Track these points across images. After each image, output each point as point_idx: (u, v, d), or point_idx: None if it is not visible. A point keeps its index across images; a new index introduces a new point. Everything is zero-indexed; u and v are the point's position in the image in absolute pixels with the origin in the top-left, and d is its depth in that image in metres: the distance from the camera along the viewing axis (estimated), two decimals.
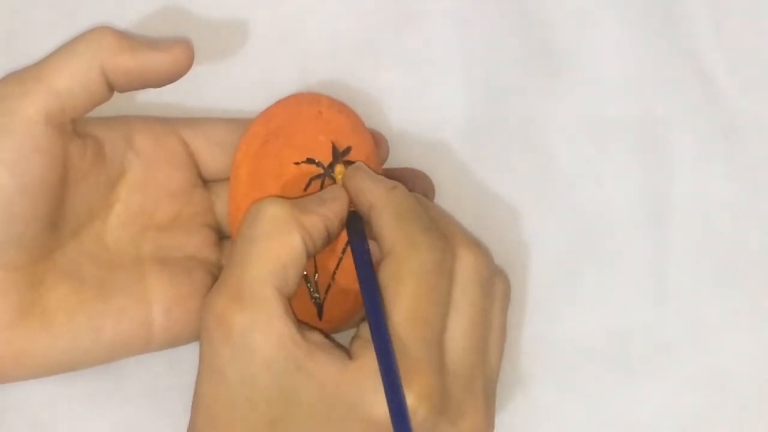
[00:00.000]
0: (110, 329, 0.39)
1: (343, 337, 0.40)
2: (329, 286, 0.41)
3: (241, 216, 0.40)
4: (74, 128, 0.39)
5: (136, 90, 0.40)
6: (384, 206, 0.38)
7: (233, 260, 0.37)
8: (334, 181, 0.41)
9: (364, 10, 0.47)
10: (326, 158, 0.41)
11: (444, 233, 0.38)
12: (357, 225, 0.40)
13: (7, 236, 0.37)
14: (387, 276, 0.37)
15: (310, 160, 0.41)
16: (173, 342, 0.41)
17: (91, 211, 0.40)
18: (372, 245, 0.39)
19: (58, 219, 0.39)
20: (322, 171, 0.41)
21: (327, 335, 0.37)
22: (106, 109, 0.40)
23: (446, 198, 0.46)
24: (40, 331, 0.38)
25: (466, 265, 0.38)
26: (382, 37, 0.47)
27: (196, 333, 0.41)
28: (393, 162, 0.45)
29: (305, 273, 0.40)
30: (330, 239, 0.39)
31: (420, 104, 0.46)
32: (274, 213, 0.37)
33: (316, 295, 0.41)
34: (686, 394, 0.46)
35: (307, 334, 0.36)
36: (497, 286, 0.40)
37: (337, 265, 0.41)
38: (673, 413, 0.46)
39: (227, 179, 0.42)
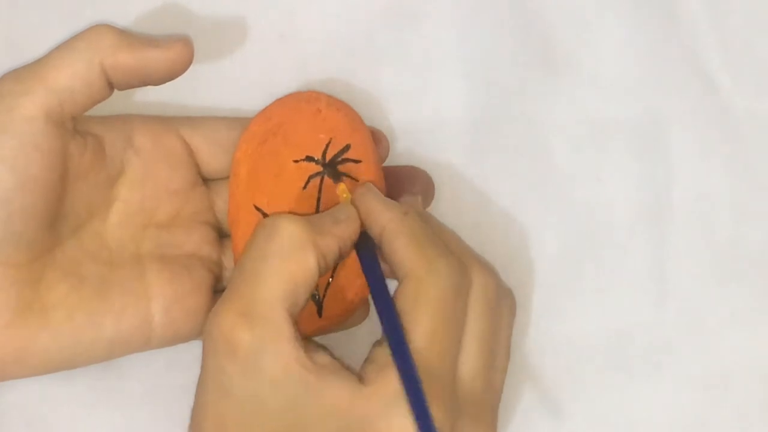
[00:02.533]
0: (110, 327, 0.39)
1: (339, 339, 0.40)
2: (328, 284, 0.41)
3: (241, 214, 0.41)
4: (74, 126, 0.39)
5: (135, 87, 0.40)
6: (398, 230, 0.38)
7: (244, 274, 0.37)
8: (332, 179, 0.41)
9: (363, 10, 0.47)
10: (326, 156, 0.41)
11: (458, 256, 0.38)
12: (368, 246, 0.39)
13: (6, 234, 0.37)
14: (406, 301, 0.37)
15: (309, 158, 0.41)
16: (173, 340, 0.41)
17: (91, 209, 0.40)
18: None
19: (57, 217, 0.39)
20: (321, 169, 0.41)
21: (335, 356, 0.37)
22: (105, 108, 0.40)
23: (446, 198, 0.46)
24: (39, 329, 0.38)
25: (477, 288, 0.38)
26: (382, 37, 0.47)
27: (196, 331, 0.41)
28: (393, 161, 0.45)
29: None
30: (341, 258, 0.39)
31: (420, 104, 0.46)
32: (291, 231, 0.37)
33: (316, 293, 0.41)
34: (686, 394, 0.46)
35: (315, 356, 0.36)
36: (504, 307, 0.40)
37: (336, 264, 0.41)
38: (673, 413, 0.46)
39: (227, 178, 0.42)
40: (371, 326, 0.42)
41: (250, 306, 0.36)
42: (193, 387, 0.38)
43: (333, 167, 0.41)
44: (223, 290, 0.38)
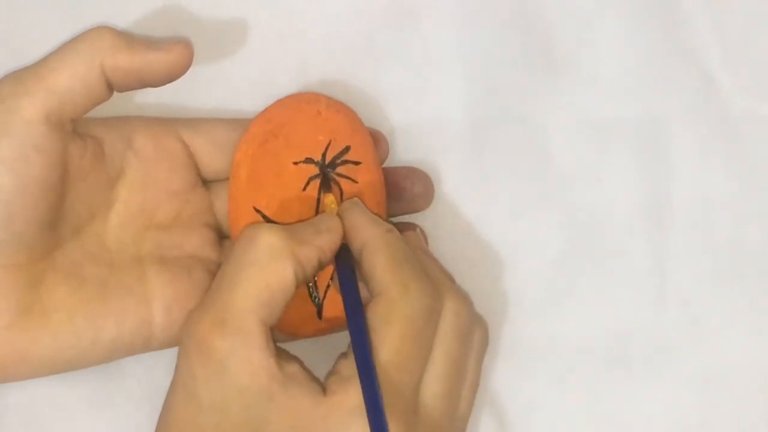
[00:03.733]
0: (110, 329, 0.39)
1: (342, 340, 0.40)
2: (328, 286, 0.41)
3: (241, 216, 0.41)
4: (74, 128, 0.39)
5: (135, 89, 0.40)
6: (379, 247, 0.38)
7: (222, 282, 0.37)
8: (333, 180, 0.41)
9: (363, 10, 0.47)
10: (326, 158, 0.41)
11: (434, 281, 0.38)
12: (346, 259, 0.40)
13: (6, 235, 0.37)
14: (376, 317, 0.37)
15: (308, 160, 0.41)
16: (173, 341, 0.41)
17: (91, 211, 0.40)
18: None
19: (58, 218, 0.39)
20: (319, 171, 0.41)
21: (305, 367, 0.37)
22: (105, 109, 0.40)
23: (446, 198, 0.46)
24: (40, 331, 0.38)
25: (449, 314, 0.38)
26: (382, 37, 0.47)
27: None
28: (392, 162, 0.45)
29: None
30: (320, 269, 0.39)
31: (420, 104, 0.46)
32: (270, 241, 0.37)
33: (315, 294, 0.41)
34: (686, 394, 0.46)
35: (284, 365, 0.37)
36: (475, 336, 0.40)
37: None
38: (673, 413, 0.46)
39: (227, 179, 0.42)
40: None
41: (225, 314, 0.36)
42: None
43: (327, 175, 0.41)
44: None
